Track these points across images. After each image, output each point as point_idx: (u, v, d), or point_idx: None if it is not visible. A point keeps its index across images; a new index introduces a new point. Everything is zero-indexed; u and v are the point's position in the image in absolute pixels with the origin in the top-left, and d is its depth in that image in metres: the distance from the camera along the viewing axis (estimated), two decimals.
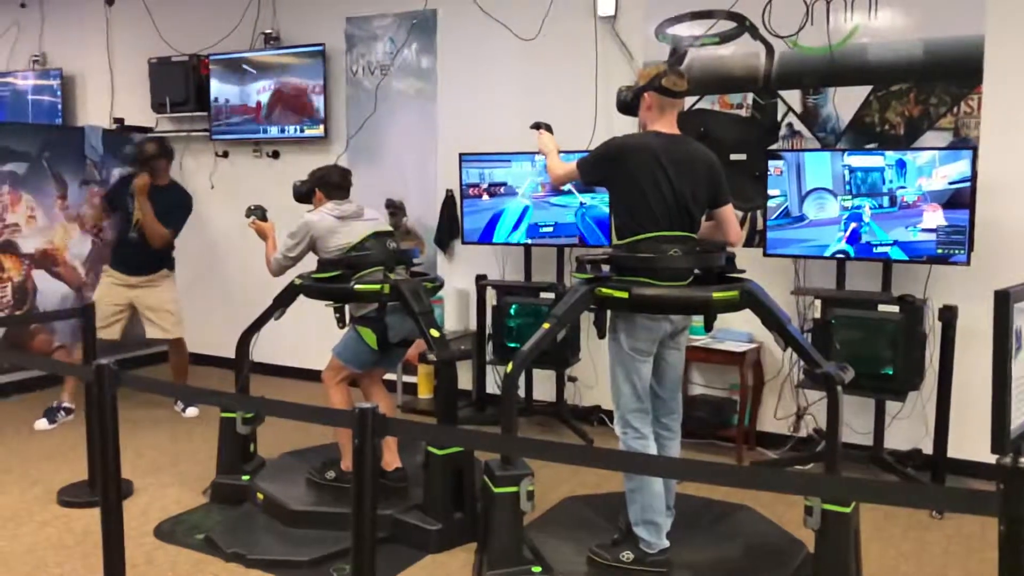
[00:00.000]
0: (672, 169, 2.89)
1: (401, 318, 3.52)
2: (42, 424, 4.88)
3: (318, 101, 5.67)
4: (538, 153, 3.64)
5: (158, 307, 4.96)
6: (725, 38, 4.54)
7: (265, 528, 3.47)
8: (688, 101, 4.45)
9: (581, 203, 4.64)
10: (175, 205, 4.88)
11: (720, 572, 3.01)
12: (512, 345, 4.68)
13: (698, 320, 4.28)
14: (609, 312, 3.02)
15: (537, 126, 3.44)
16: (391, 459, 3.68)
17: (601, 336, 3.07)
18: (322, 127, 5.69)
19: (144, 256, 4.90)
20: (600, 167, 3.04)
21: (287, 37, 5.87)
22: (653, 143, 2.95)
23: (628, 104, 3.07)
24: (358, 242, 3.58)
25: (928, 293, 4.04)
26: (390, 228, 3.77)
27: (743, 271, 3.03)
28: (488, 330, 4.94)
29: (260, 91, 5.86)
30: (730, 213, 3.06)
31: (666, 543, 2.98)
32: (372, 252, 3.56)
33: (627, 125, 4.21)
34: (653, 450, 3.01)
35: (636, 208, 2.93)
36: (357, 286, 3.41)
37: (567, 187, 4.54)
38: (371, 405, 2.13)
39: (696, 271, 3.00)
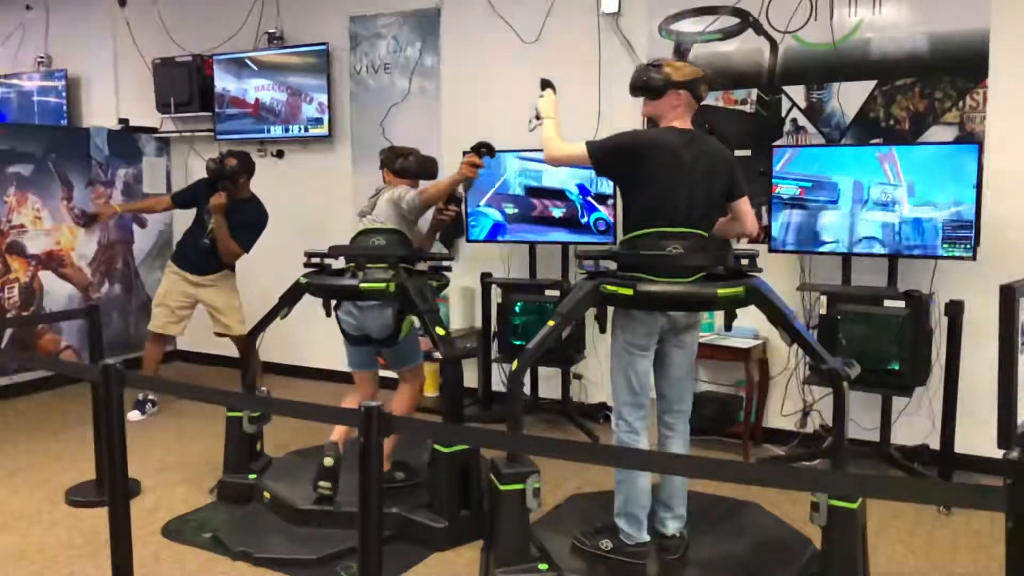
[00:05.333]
0: (692, 166, 2.87)
1: (355, 314, 3.53)
2: (135, 415, 5.01)
3: (322, 100, 5.67)
4: (536, 118, 3.18)
5: (223, 307, 5.02)
6: (728, 34, 4.52)
7: (272, 527, 3.47)
8: None
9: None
10: (250, 222, 4.86)
11: (727, 569, 3.01)
12: (517, 343, 4.68)
13: (707, 318, 4.33)
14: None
15: (545, 84, 3.24)
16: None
17: (603, 330, 3.06)
18: (326, 126, 5.69)
19: (209, 260, 4.95)
20: (620, 159, 2.94)
21: (291, 36, 5.87)
22: (675, 140, 2.90)
23: (653, 89, 2.93)
24: (352, 239, 3.63)
25: (934, 288, 4.03)
26: (387, 226, 3.61)
27: (760, 270, 2.98)
28: (493, 328, 4.94)
29: (264, 90, 5.88)
30: (746, 205, 3.03)
31: (646, 537, 2.99)
32: (349, 249, 3.61)
33: (631, 122, 4.22)
34: (643, 445, 3.00)
35: (650, 204, 2.88)
36: (362, 284, 3.41)
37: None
38: (376, 404, 2.14)
39: (702, 268, 2.95)
